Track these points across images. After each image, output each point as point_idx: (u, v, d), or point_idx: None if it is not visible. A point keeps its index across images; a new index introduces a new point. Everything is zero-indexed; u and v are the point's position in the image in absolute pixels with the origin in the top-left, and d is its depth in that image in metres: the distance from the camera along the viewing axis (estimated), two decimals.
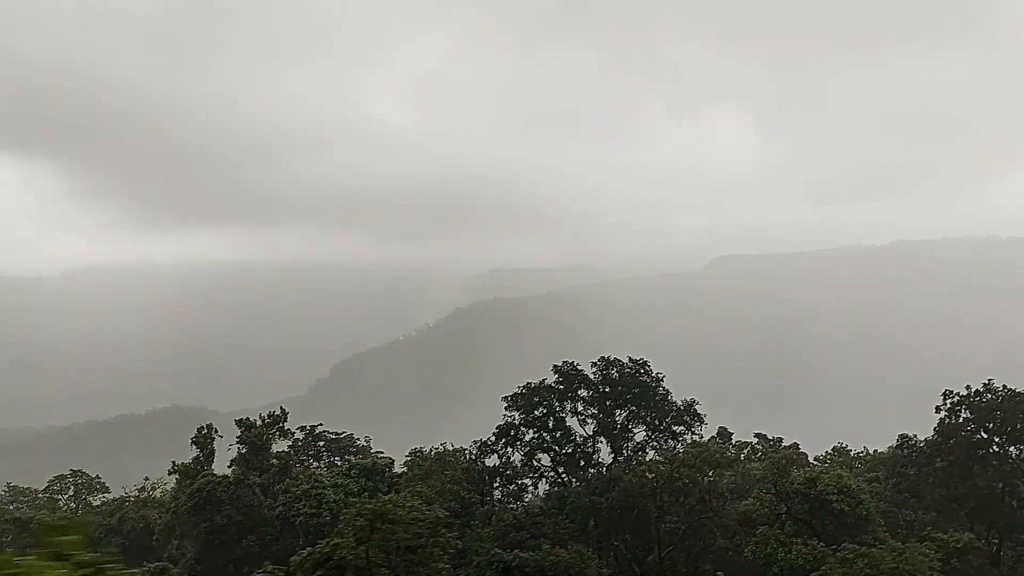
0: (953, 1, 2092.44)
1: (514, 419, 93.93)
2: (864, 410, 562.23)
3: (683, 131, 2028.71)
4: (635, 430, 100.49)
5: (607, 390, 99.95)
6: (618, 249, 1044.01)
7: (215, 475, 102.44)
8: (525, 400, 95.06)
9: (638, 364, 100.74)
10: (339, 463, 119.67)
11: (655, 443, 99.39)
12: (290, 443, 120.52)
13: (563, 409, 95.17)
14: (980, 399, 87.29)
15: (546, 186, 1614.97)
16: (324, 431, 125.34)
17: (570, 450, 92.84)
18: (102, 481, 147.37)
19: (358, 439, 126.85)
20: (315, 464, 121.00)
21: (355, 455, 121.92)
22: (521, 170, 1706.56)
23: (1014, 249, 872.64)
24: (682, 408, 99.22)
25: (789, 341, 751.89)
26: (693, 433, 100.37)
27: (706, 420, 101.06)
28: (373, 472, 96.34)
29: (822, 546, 70.55)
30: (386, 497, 75.07)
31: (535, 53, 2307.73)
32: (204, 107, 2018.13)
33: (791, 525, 74.28)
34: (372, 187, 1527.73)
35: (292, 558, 73.07)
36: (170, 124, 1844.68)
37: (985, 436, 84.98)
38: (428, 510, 71.30)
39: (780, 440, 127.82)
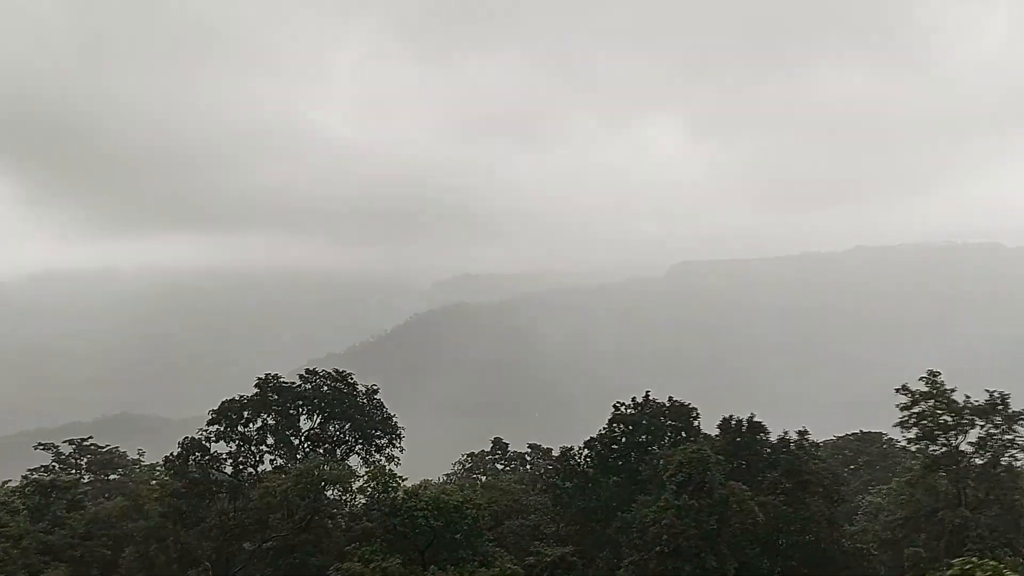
0: (871, 10, 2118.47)
1: (210, 433, 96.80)
2: (802, 418, 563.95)
3: (620, 139, 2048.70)
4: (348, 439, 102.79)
5: (321, 403, 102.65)
6: (579, 255, 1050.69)
7: None
8: (221, 414, 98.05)
9: (342, 376, 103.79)
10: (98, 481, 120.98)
11: (362, 455, 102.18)
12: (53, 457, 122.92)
13: (255, 421, 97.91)
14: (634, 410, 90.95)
15: (497, 193, 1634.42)
16: (93, 444, 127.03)
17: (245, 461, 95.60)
18: None
19: (129, 455, 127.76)
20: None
21: (120, 471, 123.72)
22: (470, 177, 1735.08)
23: (970, 254, 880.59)
24: (381, 421, 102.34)
25: (745, 347, 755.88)
26: (394, 446, 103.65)
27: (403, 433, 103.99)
28: (53, 489, 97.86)
29: (400, 563, 72.27)
30: None
31: (447, 60, 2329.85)
32: (158, 114, 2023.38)
33: (386, 541, 76.17)
34: (327, 195, 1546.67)
35: None
36: (127, 131, 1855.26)
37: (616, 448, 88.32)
38: None
39: (550, 451, 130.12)
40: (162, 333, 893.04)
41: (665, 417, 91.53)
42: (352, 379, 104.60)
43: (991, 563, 45.91)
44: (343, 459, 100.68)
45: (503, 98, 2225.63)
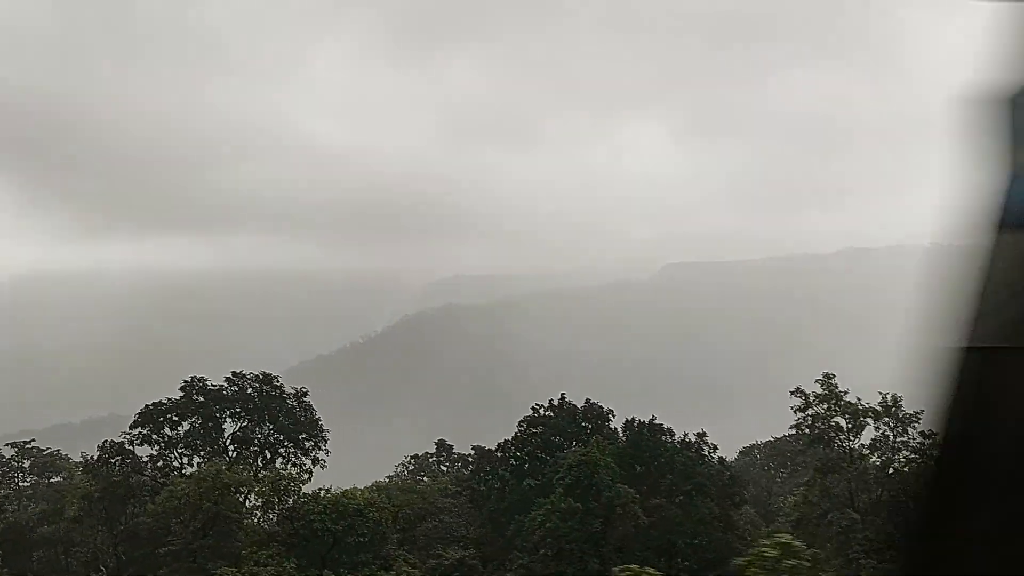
0: (842, 13, 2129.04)
1: (133, 436, 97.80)
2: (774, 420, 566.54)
3: (603, 142, 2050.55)
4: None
5: (247, 406, 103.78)
6: (570, 257, 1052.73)
7: None
8: (146, 416, 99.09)
9: (268, 379, 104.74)
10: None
11: (287, 458, 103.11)
12: None
13: (181, 424, 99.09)
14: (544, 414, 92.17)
15: (486, 194, 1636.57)
16: (35, 446, 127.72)
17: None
18: None
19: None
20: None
21: (63, 475, 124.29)
22: (458, 179, 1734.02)
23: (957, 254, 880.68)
24: (308, 424, 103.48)
25: (728, 350, 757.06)
26: (319, 448, 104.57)
27: (328, 436, 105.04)
28: None
29: (295, 568, 73.21)
30: None
31: (428, 62, 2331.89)
32: (146, 116, 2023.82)
33: (284, 546, 76.80)
34: (314, 197, 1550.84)
35: None
36: (115, 133, 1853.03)
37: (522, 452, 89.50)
38: None
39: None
40: (150, 334, 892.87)
41: (579, 418, 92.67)
42: (279, 382, 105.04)
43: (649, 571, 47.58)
44: (269, 463, 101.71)
45: (485, 100, 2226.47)
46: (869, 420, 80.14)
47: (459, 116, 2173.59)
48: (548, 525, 71.93)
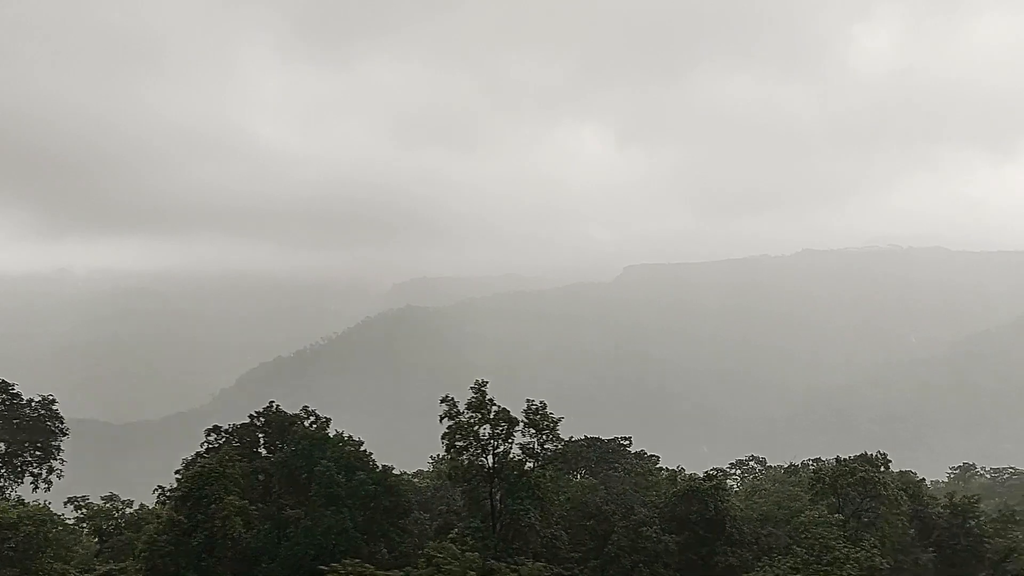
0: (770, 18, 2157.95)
1: None
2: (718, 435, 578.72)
3: (550, 145, 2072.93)
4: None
5: None
6: (532, 259, 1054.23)
7: None
8: None
9: (5, 387, 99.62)
10: None
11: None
12: None
13: None
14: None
15: (441, 197, 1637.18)
16: None
17: None
18: None
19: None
20: None
21: None
22: (409, 181, 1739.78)
23: (913, 258, 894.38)
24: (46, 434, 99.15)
25: (685, 352, 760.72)
26: (52, 462, 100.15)
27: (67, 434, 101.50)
28: None
29: None
30: None
31: (346, 62, 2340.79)
32: (104, 117, 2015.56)
33: None
34: (267, 199, 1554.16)
35: None
36: (75, 133, 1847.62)
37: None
38: None
39: None
40: (111, 337, 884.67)
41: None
42: (14, 390, 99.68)
43: None
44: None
45: (416, 100, 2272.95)
46: (508, 426, 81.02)
47: (395, 117, 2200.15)
48: (163, 537, 72.58)
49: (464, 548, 76.92)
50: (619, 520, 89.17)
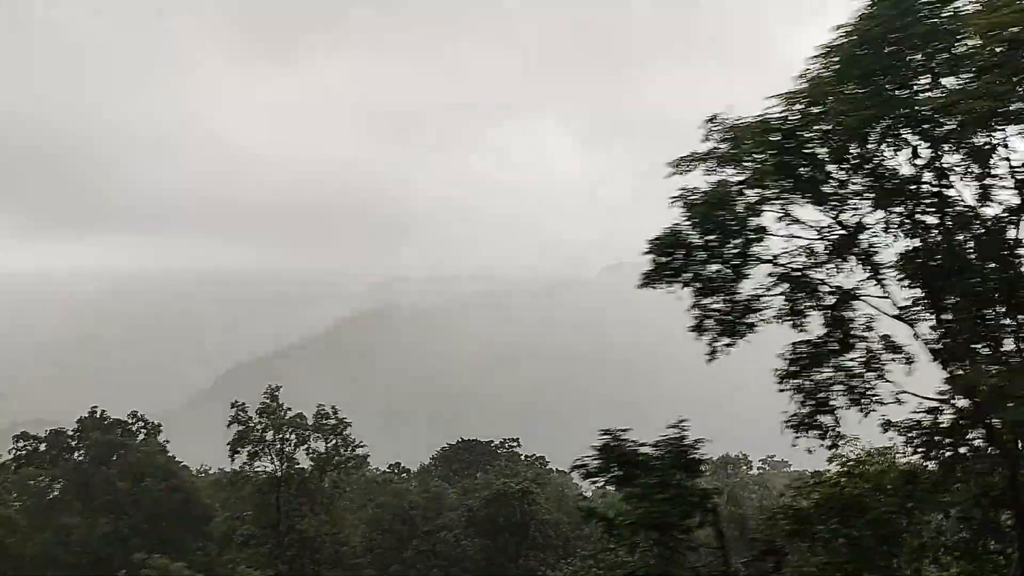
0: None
1: None
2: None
3: (518, 142, 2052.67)
4: None
5: None
6: (508, 258, 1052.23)
7: None
8: None
9: None
10: None
11: None
12: None
13: None
14: None
15: (411, 196, 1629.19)
16: None
17: None
18: None
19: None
20: None
21: None
22: (380, 180, 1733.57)
23: None
24: None
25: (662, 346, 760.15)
26: None
27: None
28: None
29: None
30: None
31: (294, 60, 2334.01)
32: (79, 115, 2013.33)
33: None
34: (240, 199, 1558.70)
35: None
36: (51, 131, 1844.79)
37: None
38: None
39: None
40: (86, 337, 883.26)
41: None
42: None
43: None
44: None
45: (373, 98, 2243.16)
46: (299, 432, 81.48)
47: (373, 119, 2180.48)
48: None
49: (244, 554, 76.90)
50: (422, 525, 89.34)
